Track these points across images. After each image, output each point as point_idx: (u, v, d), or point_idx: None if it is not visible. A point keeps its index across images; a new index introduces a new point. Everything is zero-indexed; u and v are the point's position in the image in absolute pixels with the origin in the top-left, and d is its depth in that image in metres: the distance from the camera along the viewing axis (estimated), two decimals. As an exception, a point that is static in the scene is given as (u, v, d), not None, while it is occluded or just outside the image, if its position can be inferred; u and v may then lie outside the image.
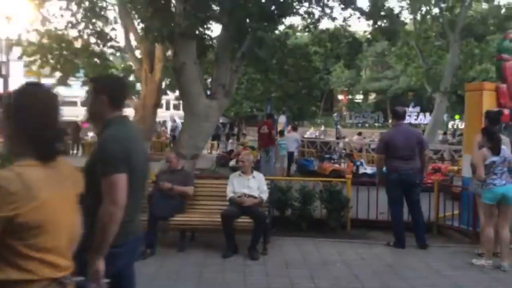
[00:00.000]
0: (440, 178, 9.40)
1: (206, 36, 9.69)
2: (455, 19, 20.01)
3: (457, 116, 39.57)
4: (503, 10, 20.22)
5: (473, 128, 6.39)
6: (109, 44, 16.55)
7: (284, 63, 13.73)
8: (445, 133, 22.69)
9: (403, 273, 4.86)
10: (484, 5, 23.75)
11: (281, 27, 13.57)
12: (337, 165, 13.20)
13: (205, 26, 9.42)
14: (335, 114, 30.34)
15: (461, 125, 35.27)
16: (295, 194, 7.03)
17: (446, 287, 4.46)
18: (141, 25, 10.63)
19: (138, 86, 18.56)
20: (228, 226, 5.40)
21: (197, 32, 8.76)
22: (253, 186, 5.74)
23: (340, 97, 55.89)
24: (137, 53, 16.59)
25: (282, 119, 20.16)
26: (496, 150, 5.00)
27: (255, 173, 5.94)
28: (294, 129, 16.32)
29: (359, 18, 12.60)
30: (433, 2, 20.62)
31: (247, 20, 8.60)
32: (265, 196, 5.73)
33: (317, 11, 12.24)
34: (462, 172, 7.10)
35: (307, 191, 7.03)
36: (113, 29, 15.60)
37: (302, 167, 14.39)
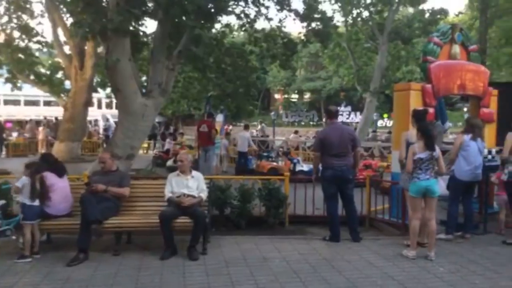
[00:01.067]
0: (371, 174, 9.86)
1: (141, 33, 9.44)
2: (383, 23, 21.03)
3: (385, 115, 41.69)
4: (427, 15, 21.52)
5: (401, 126, 6.75)
6: (35, 39, 15.63)
7: (221, 61, 13.72)
8: (374, 131, 23.75)
9: (339, 266, 5.03)
10: (410, 10, 25.14)
11: (218, 26, 13.55)
12: (275, 163, 13.40)
13: (139, 22, 9.18)
14: (272, 113, 30.77)
15: (390, 123, 37.20)
16: (234, 192, 7.05)
17: (378, 278, 4.65)
18: (71, 19, 10.14)
19: (68, 84, 17.70)
20: (167, 227, 5.31)
21: (131, 28, 8.51)
22: (192, 185, 5.68)
23: (277, 96, 56.85)
24: (66, 49, 15.80)
25: (219, 118, 20.12)
26: (429, 146, 5.31)
27: (194, 172, 5.87)
28: (246, 128, 16.39)
29: (294, 19, 12.87)
30: (363, 5, 21.51)
31: (184, 18, 8.49)
32: (204, 195, 5.70)
33: (253, 11, 12.35)
34: (391, 168, 7.49)
35: (246, 189, 7.08)
36: (40, 23, 14.71)
37: (241, 166, 14.44)
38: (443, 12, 21.70)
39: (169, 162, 13.54)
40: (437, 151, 5.34)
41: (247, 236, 6.32)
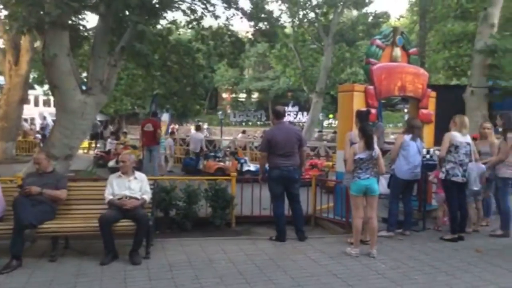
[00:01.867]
0: (317, 173, 10.01)
1: (81, 27, 9.01)
2: (329, 24, 21.50)
3: (331, 115, 42.71)
4: (370, 18, 22.24)
5: (345, 126, 6.88)
6: (-36, 32, 14.60)
7: (167, 59, 13.42)
8: (320, 131, 24.26)
9: (284, 265, 5.03)
10: (354, 13, 25.87)
11: (164, 22, 13.26)
12: (222, 163, 13.30)
13: (79, 16, 8.75)
14: (219, 112, 30.65)
15: (335, 124, 38.14)
16: (180, 193, 6.89)
17: (323, 276, 4.70)
18: (4, 12, 9.49)
19: (1, 79, 16.68)
20: (107, 231, 5.07)
21: (70, 22, 8.09)
22: (134, 187, 5.47)
23: (225, 95, 56.65)
24: (0, 43, 14.87)
25: (165, 117, 19.74)
26: (369, 146, 5.43)
27: (137, 173, 5.66)
28: (198, 128, 16.19)
29: (241, 18, 12.84)
30: (309, 7, 21.87)
31: (127, 12, 8.20)
32: (147, 197, 5.51)
33: (199, 8, 12.19)
34: (336, 167, 7.62)
35: (192, 190, 6.94)
36: (-30, 15, 13.73)
37: (188, 166, 14.24)
38: (386, 16, 22.53)
39: (111, 163, 13.09)
40: (377, 151, 5.47)
41: (192, 238, 6.19)
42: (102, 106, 9.94)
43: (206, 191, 7.04)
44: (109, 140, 17.11)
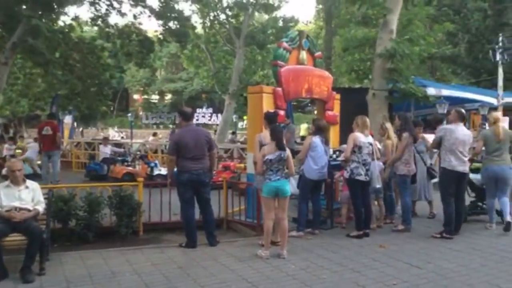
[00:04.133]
0: (229, 176, 9.93)
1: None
2: (240, 27, 21.63)
3: (244, 117, 43.13)
4: (280, 22, 22.76)
5: (255, 128, 6.85)
6: None
7: (69, 57, 12.56)
8: (234, 133, 24.31)
9: (194, 273, 4.84)
10: (265, 16, 26.34)
11: (65, 18, 12.39)
12: (131, 168, 12.70)
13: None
14: (129, 114, 29.43)
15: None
16: (80, 202, 6.39)
17: (233, 281, 4.58)
18: None
19: None
20: (-7, 247, 4.51)
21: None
22: (25, 197, 4.95)
23: (136, 97, 54.73)
24: None
25: (68, 119, 18.43)
26: (279, 147, 5.43)
27: (28, 182, 5.12)
28: (105, 140, 15.39)
29: (149, 16, 12.42)
30: (220, 8, 21.84)
31: (19, 6, 7.46)
32: (41, 207, 5.00)
33: (104, 4, 11.56)
34: (247, 169, 7.58)
35: (93, 198, 6.47)
36: None
37: (92, 172, 13.39)
38: (294, 21, 23.20)
39: (5, 171, 11.89)
40: (287, 152, 5.49)
41: (94, 250, 5.75)
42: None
43: (110, 198, 6.61)
44: (6, 145, 15.56)
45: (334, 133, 7.85)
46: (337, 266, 5.04)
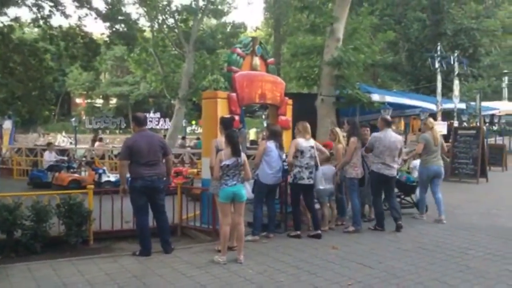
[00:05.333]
0: (182, 181, 9.83)
1: None
2: (189, 31, 21.47)
3: (193, 122, 42.74)
4: (229, 28, 22.82)
5: (210, 133, 6.85)
6: None
7: (9, 59, 11.93)
8: (183, 138, 24.02)
9: (150, 282, 4.75)
10: (214, 21, 26.32)
11: (4, 19, 11.77)
12: (77, 175, 12.23)
13: None
14: (73, 119, 28.32)
15: (198, 130, 38.31)
16: (26, 211, 6.09)
17: (191, 288, 4.56)
18: None
19: None
20: None
21: None
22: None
23: (79, 100, 52.77)
24: None
25: (7, 124, 17.47)
26: (235, 153, 5.45)
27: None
28: (49, 146, 14.68)
29: (95, 18, 12.07)
30: (168, 12, 21.58)
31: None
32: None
33: (47, 5, 11.11)
34: (202, 174, 7.54)
35: (41, 207, 6.19)
36: None
37: (36, 179, 12.77)
38: (243, 27, 23.36)
39: None
40: (243, 157, 5.54)
41: (43, 261, 5.52)
42: None
43: (58, 207, 6.35)
44: None
45: (287, 137, 7.97)
46: (293, 269, 5.13)
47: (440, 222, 7.44)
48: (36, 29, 15.42)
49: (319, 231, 6.57)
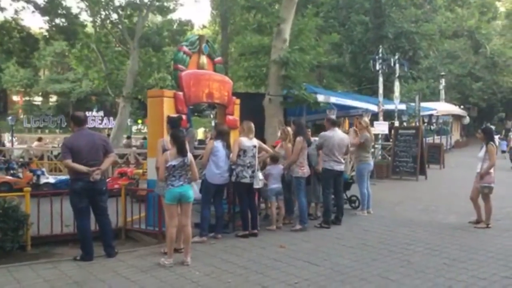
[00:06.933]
0: (127, 182, 9.54)
1: None
2: (133, 28, 20.92)
3: (139, 121, 41.75)
4: (175, 25, 22.46)
5: (155, 132, 6.69)
6: None
7: None
8: (129, 137, 23.37)
9: (91, 287, 4.56)
10: (160, 18, 25.82)
11: None
12: (8, 177, 11.53)
13: None
14: (9, 118, 26.76)
15: (144, 129, 37.41)
16: (-46, 217, 5.65)
17: (135, 293, 4.42)
18: None
19: None
20: None
21: None
22: None
23: (16, 98, 50.02)
24: None
25: None
26: (181, 153, 5.34)
27: None
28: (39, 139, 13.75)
29: (33, 12, 11.49)
30: (112, 8, 20.92)
31: None
32: None
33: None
34: (147, 175, 7.35)
35: (-29, 211, 5.77)
36: None
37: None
38: (190, 24, 23.07)
39: None
40: (189, 157, 5.44)
41: (-26, 270, 5.14)
42: None
43: (-9, 211, 5.94)
44: None
45: (234, 137, 7.95)
46: (241, 269, 5.12)
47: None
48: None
49: (256, 231, 6.67)
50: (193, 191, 5.60)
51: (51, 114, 46.95)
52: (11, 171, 11.98)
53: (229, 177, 6.62)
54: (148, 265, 5.30)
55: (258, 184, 6.67)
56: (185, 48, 7.29)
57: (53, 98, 50.30)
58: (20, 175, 11.80)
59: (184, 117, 6.70)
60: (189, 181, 5.46)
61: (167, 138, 5.89)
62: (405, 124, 20.79)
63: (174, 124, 5.85)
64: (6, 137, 29.07)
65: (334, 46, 24.07)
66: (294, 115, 12.47)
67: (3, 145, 21.85)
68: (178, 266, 5.21)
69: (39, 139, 19.86)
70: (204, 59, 7.61)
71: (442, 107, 27.60)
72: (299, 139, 7.01)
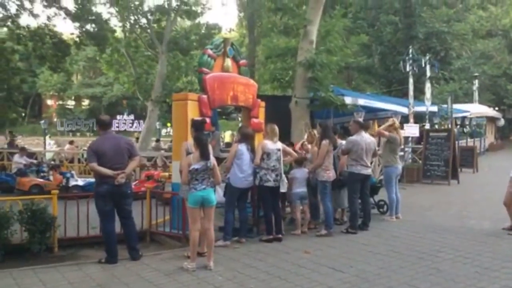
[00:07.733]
0: (153, 185, 9.62)
1: None
2: (162, 32, 21.20)
3: (168, 124, 42.26)
4: (203, 29, 22.63)
5: (180, 135, 6.70)
6: None
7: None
8: (158, 140, 23.67)
9: (115, 291, 4.58)
10: (188, 22, 26.08)
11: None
12: (39, 179, 11.82)
13: None
14: (43, 121, 27.57)
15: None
16: (-14, 218, 5.81)
17: (158, 297, 4.40)
18: None
19: None
20: None
21: None
22: None
23: (50, 102, 51.54)
24: None
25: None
26: (204, 156, 5.32)
27: None
28: (23, 150, 14.24)
29: (65, 18, 11.78)
30: (141, 12, 21.27)
31: None
32: None
33: (14, 4, 10.76)
34: (172, 178, 7.37)
35: (1, 213, 5.92)
36: None
37: (3, 184, 12.31)
38: (217, 28, 23.21)
39: None
40: (212, 161, 5.40)
41: (3, 270, 5.26)
42: None
43: (20, 213, 6.08)
44: None
45: (259, 140, 7.89)
46: (264, 275, 5.03)
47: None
48: (3, 29, 14.94)
49: (280, 235, 6.56)
50: (217, 194, 5.56)
51: (83, 117, 48.11)
52: (41, 174, 12.28)
53: (253, 181, 6.55)
54: (171, 269, 5.28)
55: (284, 188, 6.59)
56: (210, 51, 7.28)
57: (85, 102, 51.60)
58: (51, 177, 12.08)
59: (208, 120, 6.69)
60: (212, 184, 5.42)
61: (191, 141, 5.88)
62: (436, 126, 20.22)
63: (198, 127, 5.83)
64: (45, 139, 30.05)
65: (362, 47, 23.74)
66: (321, 118, 12.29)
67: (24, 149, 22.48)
68: (201, 270, 5.18)
69: (71, 142, 20.40)
70: (228, 62, 7.58)
71: (476, 109, 26.78)
72: (324, 142, 6.87)
